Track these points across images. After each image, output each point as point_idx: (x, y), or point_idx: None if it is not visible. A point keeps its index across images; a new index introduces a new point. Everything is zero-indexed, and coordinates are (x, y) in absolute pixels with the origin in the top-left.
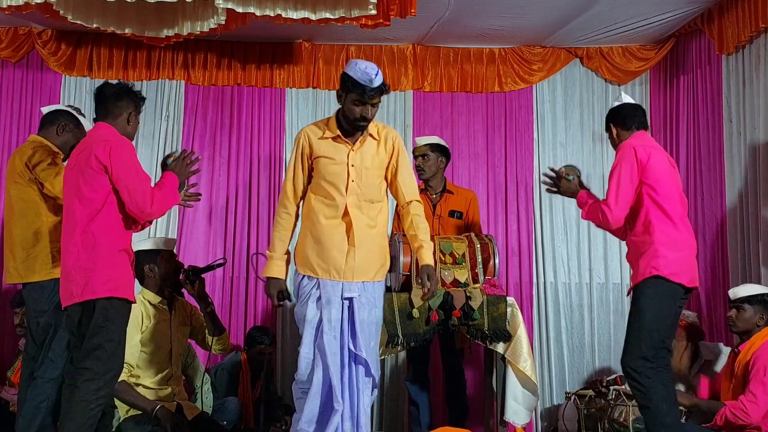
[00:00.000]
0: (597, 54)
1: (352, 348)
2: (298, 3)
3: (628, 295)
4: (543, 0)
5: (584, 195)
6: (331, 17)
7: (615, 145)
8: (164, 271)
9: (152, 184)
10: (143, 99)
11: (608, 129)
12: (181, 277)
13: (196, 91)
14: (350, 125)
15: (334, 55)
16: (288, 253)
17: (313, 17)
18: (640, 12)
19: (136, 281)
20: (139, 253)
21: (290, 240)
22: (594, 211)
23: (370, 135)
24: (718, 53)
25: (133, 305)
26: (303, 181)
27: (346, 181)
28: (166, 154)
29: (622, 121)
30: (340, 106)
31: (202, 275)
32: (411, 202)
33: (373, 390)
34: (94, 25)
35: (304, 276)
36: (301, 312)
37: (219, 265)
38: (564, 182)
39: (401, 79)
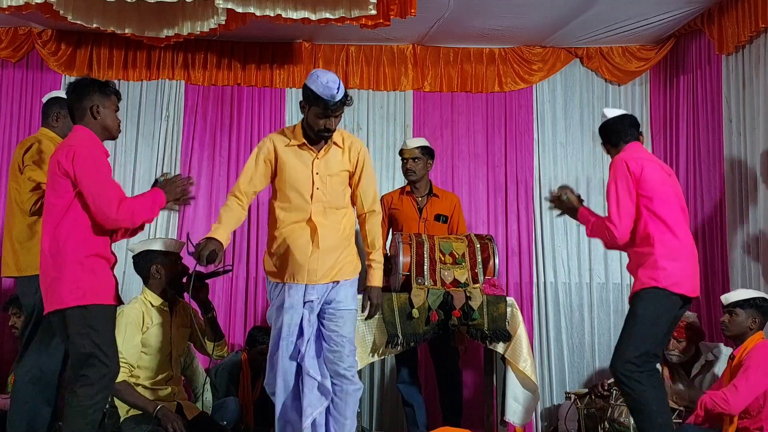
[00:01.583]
0: (597, 54)
1: (303, 353)
2: (298, 3)
3: (629, 303)
4: (543, 0)
5: (585, 212)
6: (331, 17)
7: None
8: (170, 273)
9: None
10: (104, 84)
11: (603, 144)
12: (184, 280)
13: (196, 91)
14: (315, 135)
15: (334, 55)
16: (230, 237)
17: (313, 17)
18: (640, 12)
19: (141, 280)
20: (148, 253)
21: (235, 226)
22: (599, 229)
23: (335, 143)
24: (718, 53)
25: (134, 306)
26: (259, 182)
27: (311, 189)
28: (163, 172)
29: (608, 139)
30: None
31: (207, 281)
32: (369, 212)
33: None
34: (94, 25)
35: (273, 283)
36: (270, 316)
37: (224, 272)
38: (571, 198)
39: (401, 79)
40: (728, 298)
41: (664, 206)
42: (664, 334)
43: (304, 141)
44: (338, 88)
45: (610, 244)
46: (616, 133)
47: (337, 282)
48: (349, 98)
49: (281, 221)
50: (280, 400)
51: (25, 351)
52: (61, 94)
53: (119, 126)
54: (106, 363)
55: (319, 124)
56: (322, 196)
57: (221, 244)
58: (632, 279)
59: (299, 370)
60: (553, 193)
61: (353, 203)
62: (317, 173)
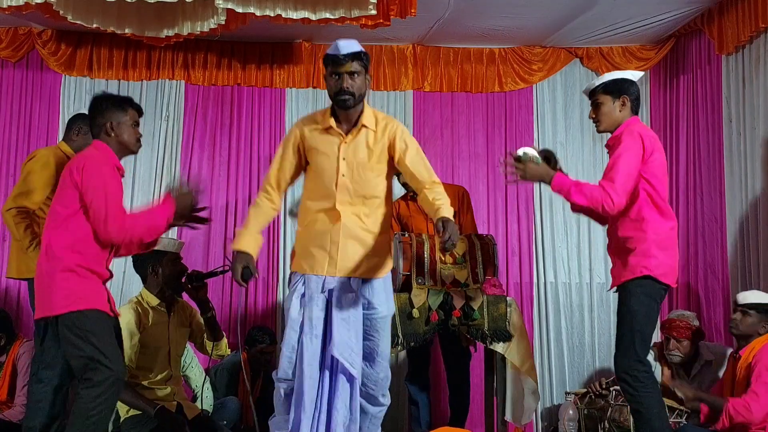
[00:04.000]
0: (597, 54)
1: (330, 350)
2: (298, 3)
3: (609, 290)
4: (543, 0)
5: (563, 177)
6: (331, 17)
7: (600, 116)
8: (168, 273)
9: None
10: (121, 100)
11: (616, 96)
12: (183, 280)
13: (196, 91)
14: (337, 105)
15: None
16: (261, 234)
17: (313, 17)
18: (640, 12)
19: (140, 280)
20: (145, 253)
21: (264, 226)
22: (593, 191)
23: (365, 125)
24: (718, 53)
25: (130, 306)
26: (289, 170)
27: (336, 176)
28: (178, 181)
29: (636, 103)
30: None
31: (205, 281)
32: (431, 184)
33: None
34: (94, 25)
35: (294, 273)
36: (286, 307)
37: (222, 272)
38: (531, 166)
39: (401, 79)
40: (746, 297)
41: (663, 193)
42: (655, 325)
43: (331, 124)
44: (347, 45)
45: (599, 211)
46: (638, 100)
47: (369, 280)
48: (363, 54)
49: (307, 210)
50: (307, 396)
51: (46, 349)
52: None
53: (138, 140)
54: (109, 366)
55: (332, 86)
56: (348, 184)
57: (250, 255)
58: (612, 266)
59: (323, 367)
60: (513, 154)
61: (410, 183)
62: (344, 158)
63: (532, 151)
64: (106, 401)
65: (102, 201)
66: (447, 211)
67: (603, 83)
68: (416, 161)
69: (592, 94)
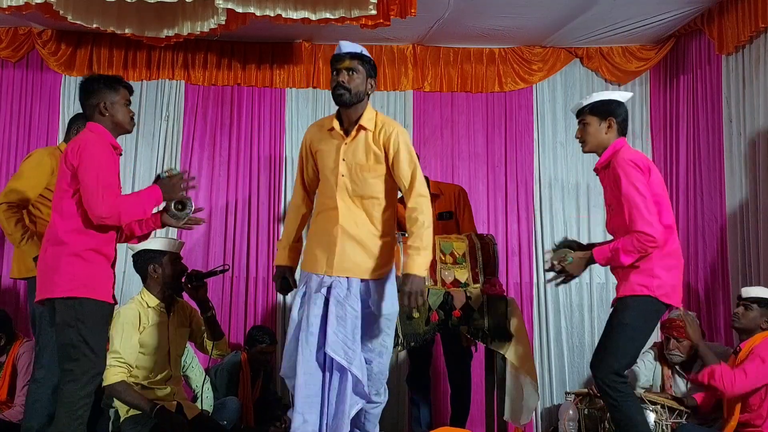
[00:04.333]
0: (597, 54)
1: (325, 349)
2: (298, 3)
3: (612, 307)
4: (543, 0)
5: (602, 249)
6: (331, 17)
7: (586, 137)
8: (168, 272)
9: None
10: (112, 79)
11: (603, 118)
12: (183, 280)
13: (196, 91)
14: (334, 101)
15: None
16: (299, 241)
17: (313, 17)
18: (640, 12)
19: (140, 279)
20: (145, 252)
21: (300, 230)
22: (632, 244)
23: (363, 127)
24: (718, 53)
25: (130, 306)
26: (311, 173)
27: (336, 176)
28: (166, 168)
29: (624, 124)
30: None
31: (205, 280)
32: (409, 196)
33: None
34: (94, 25)
35: (302, 271)
36: (291, 306)
37: (222, 271)
38: (568, 265)
39: (401, 79)
40: (748, 291)
41: (666, 212)
42: (646, 342)
43: (333, 125)
44: (348, 45)
45: (651, 250)
46: (626, 122)
47: (367, 281)
48: (361, 54)
49: (315, 208)
50: (300, 393)
51: (41, 350)
52: None
53: (132, 119)
54: (91, 359)
55: (331, 83)
56: (348, 184)
57: (287, 267)
58: (616, 283)
59: (325, 364)
60: (555, 263)
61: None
62: (344, 159)
63: (559, 252)
64: (90, 394)
65: (94, 178)
66: (414, 261)
67: (590, 104)
68: (403, 168)
69: (579, 113)
